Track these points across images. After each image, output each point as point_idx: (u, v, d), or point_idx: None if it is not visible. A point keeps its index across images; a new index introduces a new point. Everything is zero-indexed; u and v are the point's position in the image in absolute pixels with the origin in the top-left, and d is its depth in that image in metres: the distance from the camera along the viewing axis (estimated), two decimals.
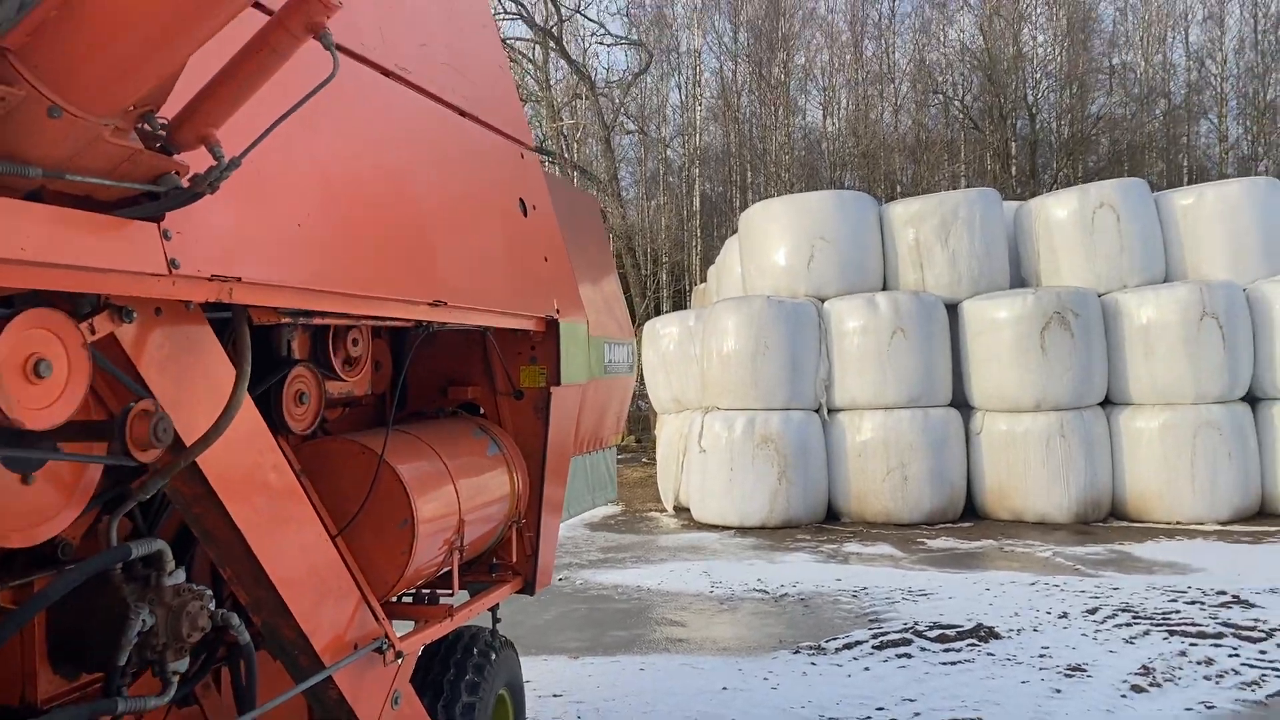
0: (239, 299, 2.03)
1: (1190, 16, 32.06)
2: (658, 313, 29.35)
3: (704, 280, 21.87)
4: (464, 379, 3.78)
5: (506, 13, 24.18)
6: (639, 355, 13.81)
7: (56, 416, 1.71)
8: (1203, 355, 10.61)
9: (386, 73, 2.80)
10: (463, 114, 3.26)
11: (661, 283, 31.54)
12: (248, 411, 2.28)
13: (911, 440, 11.20)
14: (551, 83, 27.04)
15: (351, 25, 2.64)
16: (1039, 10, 29.42)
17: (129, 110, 1.61)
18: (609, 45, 30.08)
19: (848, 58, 31.99)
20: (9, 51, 1.42)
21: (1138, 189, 11.78)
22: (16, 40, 1.42)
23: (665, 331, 13.22)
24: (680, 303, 30.80)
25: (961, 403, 11.68)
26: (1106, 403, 11.30)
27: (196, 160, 1.77)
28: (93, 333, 1.82)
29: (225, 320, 2.24)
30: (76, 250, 1.61)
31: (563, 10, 25.61)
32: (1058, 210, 11.89)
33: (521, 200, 3.62)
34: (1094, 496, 10.95)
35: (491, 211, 3.34)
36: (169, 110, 1.72)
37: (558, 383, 3.75)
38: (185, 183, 1.74)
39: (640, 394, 17.64)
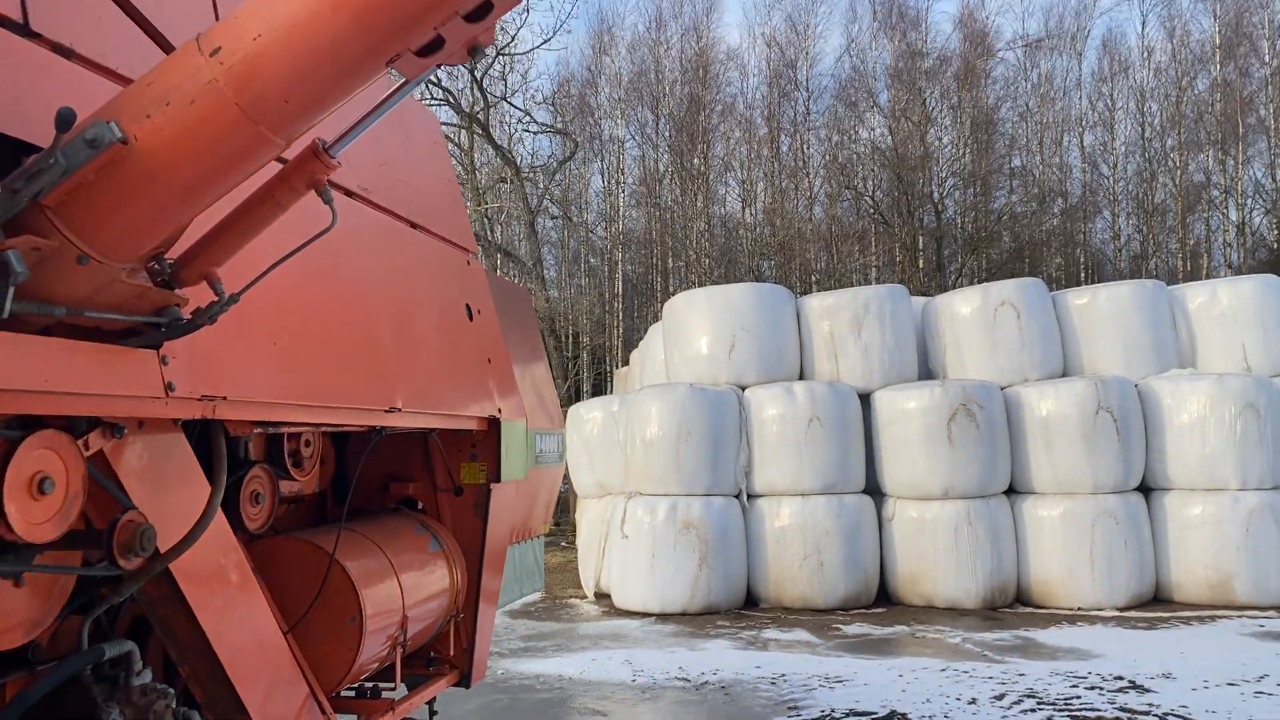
0: (220, 415, 2.19)
1: (1084, 122, 34.13)
2: (579, 395, 29.54)
3: (626, 363, 22.24)
4: (406, 475, 3.93)
5: (434, 99, 24.63)
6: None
7: (56, 530, 1.84)
8: (1098, 447, 11.19)
9: (350, 193, 3.02)
10: (415, 226, 3.48)
11: (583, 363, 31.80)
12: (216, 517, 2.41)
13: (827, 526, 11.51)
14: (477, 166, 27.45)
15: (329, 126, 2.86)
16: (944, 113, 31.03)
17: (144, 254, 1.79)
18: (534, 133, 30.68)
19: (764, 152, 33.16)
20: (48, 209, 1.60)
21: (1036, 289, 12.48)
22: (55, 199, 1.61)
23: (589, 416, 13.40)
24: (602, 384, 31.11)
25: (875, 490, 12.06)
26: (1011, 491, 11.79)
27: (195, 291, 1.95)
28: (88, 449, 1.97)
29: (192, 424, 2.38)
30: (88, 379, 1.78)
31: (489, 97, 26.17)
32: (962, 307, 12.52)
33: (468, 305, 3.83)
34: (1000, 583, 11.36)
35: (442, 318, 3.54)
36: (176, 250, 1.90)
37: (497, 479, 3.92)
38: (187, 315, 1.92)
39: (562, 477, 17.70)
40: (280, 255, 2.00)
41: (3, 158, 1.72)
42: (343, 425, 2.90)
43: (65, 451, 1.88)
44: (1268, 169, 31.18)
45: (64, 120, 1.57)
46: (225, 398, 2.15)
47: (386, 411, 2.95)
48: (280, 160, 1.99)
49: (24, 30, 1.84)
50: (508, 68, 27.56)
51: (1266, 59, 31.35)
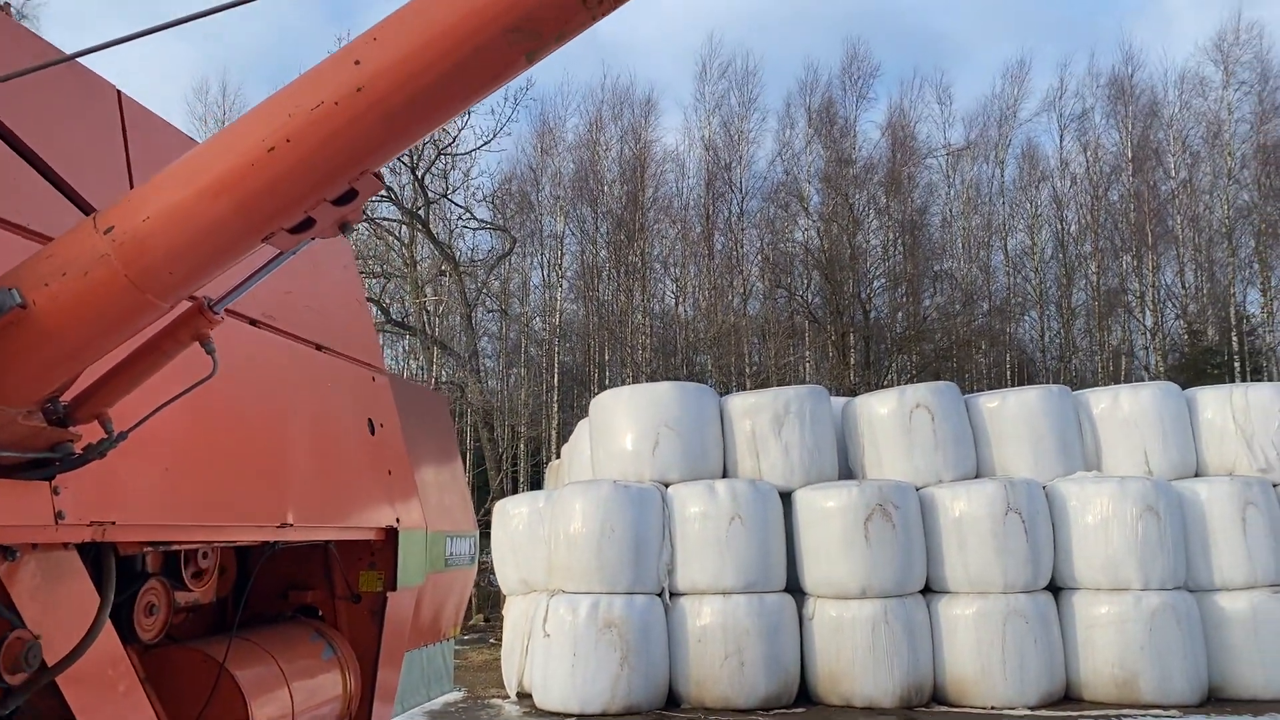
0: (110, 538, 2.38)
1: (1007, 228, 35.60)
2: (514, 487, 29.46)
3: (560, 456, 22.33)
4: (304, 583, 4.07)
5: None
6: (491, 533, 14.00)
7: None
8: (1008, 548, 11.55)
9: (254, 321, 3.25)
10: (320, 348, 3.71)
11: (520, 454, 31.77)
12: (105, 629, 2.57)
13: (748, 625, 11.65)
14: (417, 260, 27.76)
15: (222, 280, 3.09)
16: (871, 216, 32.20)
17: (39, 399, 2.01)
18: (474, 229, 31.16)
19: (700, 249, 34.00)
20: None
21: (949, 392, 12.98)
22: None
23: (515, 512, 13.48)
24: (539, 476, 31.07)
25: (796, 588, 12.26)
26: (927, 590, 12.06)
27: (88, 425, 2.16)
28: None
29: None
30: None
31: (429, 195, 26.63)
32: (879, 408, 12.95)
33: (370, 420, 4.05)
34: (916, 681, 11.55)
35: (342, 434, 3.75)
36: (72, 391, 2.12)
37: (394, 588, 4.09)
38: (79, 449, 2.13)
39: (491, 572, 17.65)
40: (164, 392, 2.21)
41: None
42: (234, 542, 3.07)
43: None
44: (1177, 276, 32.74)
45: None
46: (114, 522, 2.34)
47: (279, 527, 3.13)
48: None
49: None
50: (449, 166, 28.15)
51: (1173, 173, 33.15)
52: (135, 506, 2.41)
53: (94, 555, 2.54)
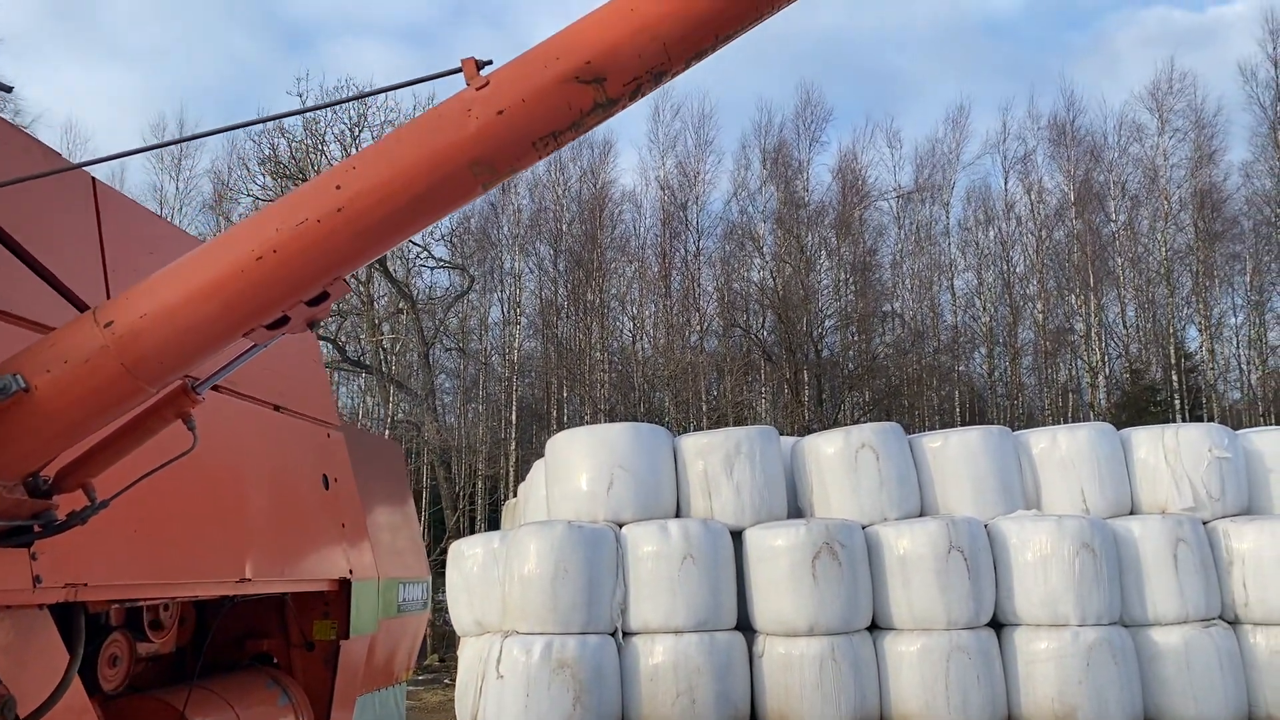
0: (82, 598, 2.57)
1: (954, 268, 36.45)
2: (471, 525, 29.44)
3: (516, 495, 22.40)
4: (261, 632, 4.25)
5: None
6: (446, 573, 14.07)
7: None
8: (951, 585, 11.87)
9: (215, 386, 3.45)
10: (276, 408, 3.92)
11: (478, 492, 31.76)
12: (74, 683, 2.75)
13: (699, 664, 11.82)
14: (374, 298, 27.84)
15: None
16: (823, 257, 32.85)
17: (25, 473, 2.22)
18: (432, 267, 31.34)
19: (658, 287, 34.42)
20: None
21: (894, 432, 13.34)
22: None
23: (470, 553, 13.59)
24: (497, 513, 31.06)
25: (746, 626, 12.47)
26: (873, 627, 12.34)
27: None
28: None
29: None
30: None
31: None
32: (826, 448, 13.27)
33: (325, 475, 4.25)
34: (864, 716, 11.77)
35: (296, 491, 3.95)
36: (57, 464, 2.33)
37: (347, 636, 4.27)
38: (61, 516, 2.34)
39: (446, 612, 17.69)
40: (140, 460, 2.43)
41: None
42: (196, 596, 3.26)
43: None
44: (1119, 315, 33.68)
45: None
46: (86, 584, 2.54)
47: (237, 582, 3.33)
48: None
49: None
50: None
51: (1113, 215, 34.20)
52: (105, 568, 2.61)
53: (63, 613, 2.72)
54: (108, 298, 2.97)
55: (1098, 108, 58.38)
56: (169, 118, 56.59)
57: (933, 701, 11.67)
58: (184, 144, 37.36)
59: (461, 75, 2.28)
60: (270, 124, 29.26)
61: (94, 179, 3.11)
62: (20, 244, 2.65)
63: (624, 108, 2.32)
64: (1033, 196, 35.45)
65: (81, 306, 2.82)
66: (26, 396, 2.06)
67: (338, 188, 2.19)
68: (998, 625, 12.30)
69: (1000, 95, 68.35)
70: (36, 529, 2.29)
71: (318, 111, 28.30)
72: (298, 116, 28.31)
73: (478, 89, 2.25)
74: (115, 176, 50.03)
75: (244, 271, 2.13)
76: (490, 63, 2.30)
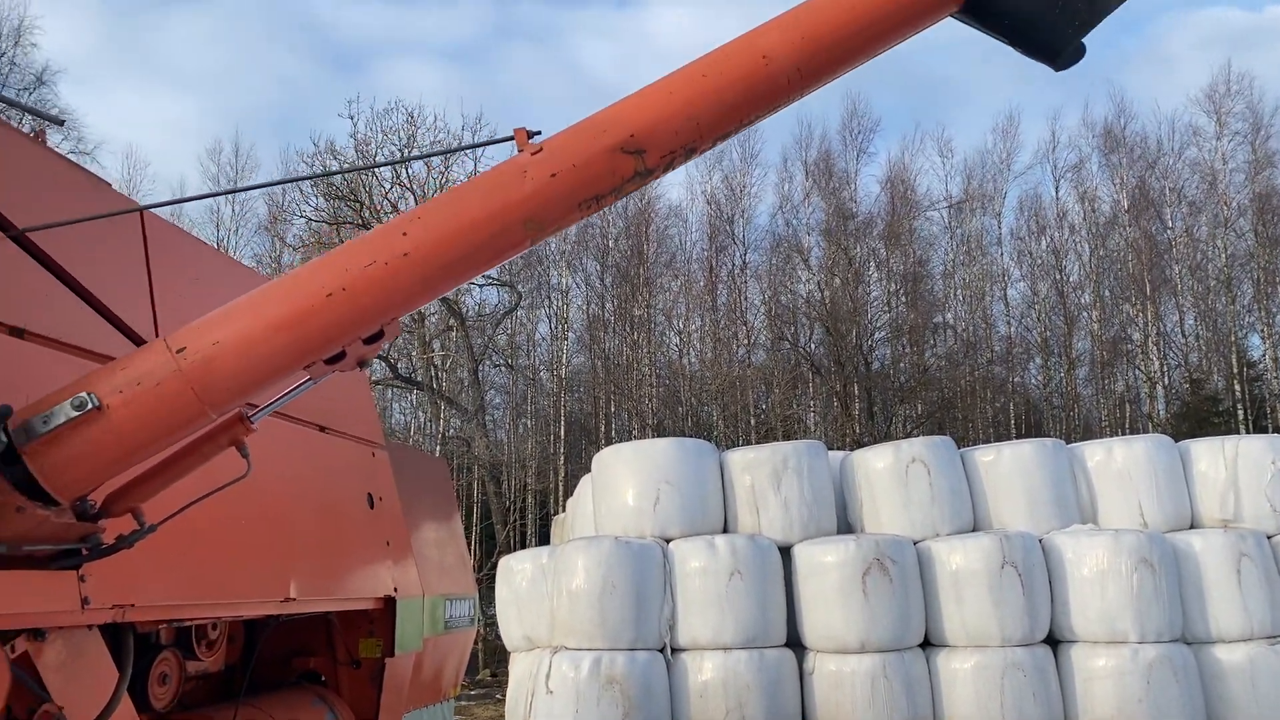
0: (130, 618, 2.63)
1: (1007, 278, 35.96)
2: (521, 540, 29.57)
3: (565, 509, 22.44)
4: (307, 650, 4.30)
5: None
6: (496, 588, 14.13)
7: None
8: (1005, 600, 11.66)
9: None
10: (322, 429, 3.98)
11: (528, 506, 31.90)
12: (123, 701, 2.81)
13: (749, 680, 11.73)
14: (424, 315, 28.16)
15: None
16: (872, 269, 32.60)
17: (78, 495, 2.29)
18: (481, 285, 31.63)
19: (705, 301, 34.41)
20: (25, 452, 2.11)
21: (945, 446, 13.16)
22: (36, 446, 2.12)
23: (519, 568, 13.63)
24: (547, 528, 31.16)
25: (796, 642, 12.36)
26: (926, 644, 12.16)
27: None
28: (14, 652, 2.39)
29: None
30: (18, 600, 2.23)
31: None
32: (876, 463, 13.13)
33: (370, 494, 4.30)
34: None
35: (341, 510, 4.00)
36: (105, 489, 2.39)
37: (392, 654, 4.31)
38: (108, 540, 2.39)
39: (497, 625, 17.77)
40: (188, 485, 2.48)
41: None
42: (242, 616, 3.32)
43: None
44: (1177, 324, 32.97)
45: (2, 414, 2.11)
46: (134, 605, 2.59)
47: (283, 601, 3.38)
48: None
49: None
50: None
51: (1169, 223, 33.53)
52: (152, 589, 2.66)
53: (114, 632, 2.78)
54: (155, 324, 3.06)
55: (1151, 113, 57.42)
56: (224, 141, 57.97)
57: (988, 719, 11.46)
58: (239, 167, 38.17)
59: (514, 142, 2.56)
60: (322, 147, 29.81)
61: (142, 209, 3.19)
62: (72, 274, 2.74)
63: (657, 178, 2.66)
64: (1086, 205, 34.91)
65: (131, 334, 2.92)
66: (99, 415, 2.16)
67: (404, 235, 2.42)
68: (1054, 642, 12.06)
69: (1051, 102, 67.40)
70: (84, 552, 2.35)
71: (368, 135, 28.73)
72: (350, 136, 28.78)
73: (532, 154, 2.51)
74: (177, 196, 51.22)
75: (314, 307, 2.31)
76: (539, 133, 2.59)
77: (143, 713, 3.14)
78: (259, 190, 38.23)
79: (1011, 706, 11.42)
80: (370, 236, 2.47)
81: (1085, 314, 33.98)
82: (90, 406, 2.14)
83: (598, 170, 2.51)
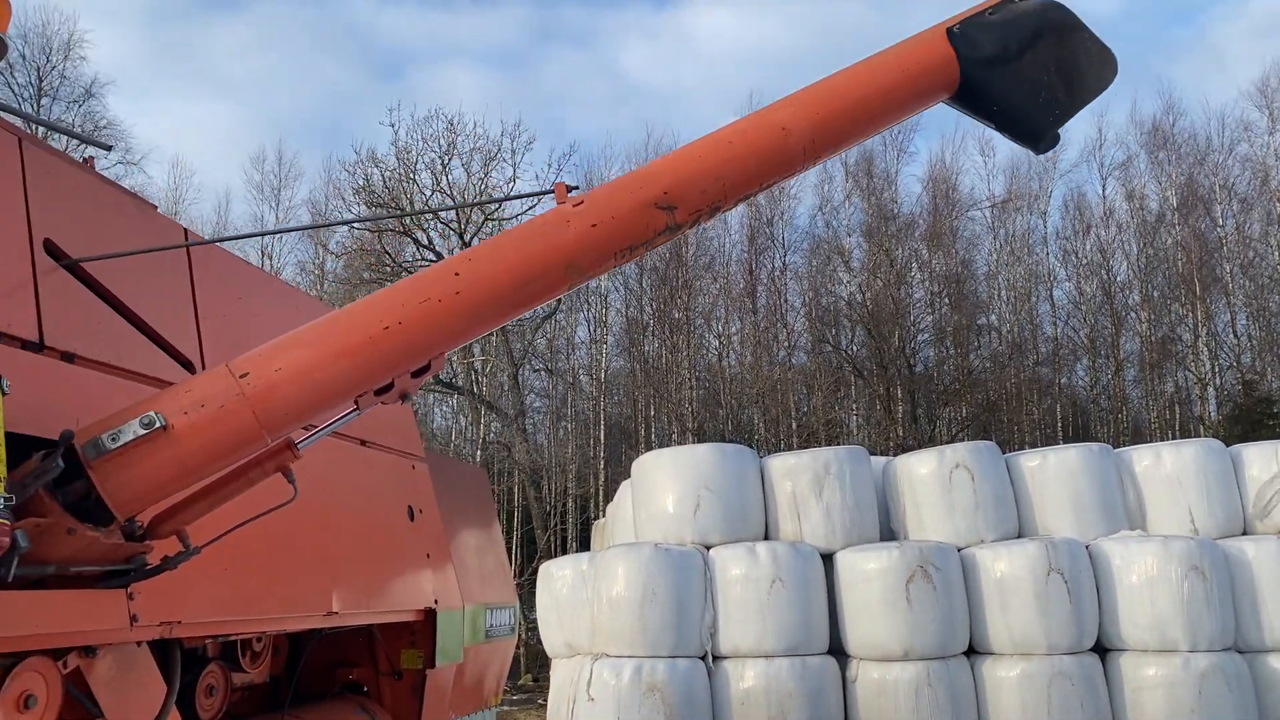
0: (177, 634, 2.68)
1: (1053, 278, 35.49)
2: (563, 544, 29.69)
3: (605, 514, 22.47)
4: (350, 661, 4.36)
5: (424, 260, 25.68)
6: (536, 594, 14.20)
7: None
8: (1051, 608, 11.50)
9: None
10: (362, 443, 4.03)
11: (568, 510, 32.00)
12: (171, 714, 2.88)
13: (791, 688, 11.68)
14: None
15: None
16: (914, 270, 32.31)
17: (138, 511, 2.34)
18: None
19: (744, 304, 34.31)
20: (92, 468, 2.17)
21: (989, 451, 13.01)
22: (103, 463, 2.18)
23: (559, 574, 13.68)
24: (588, 532, 31.26)
25: (839, 650, 12.28)
26: (970, 652, 12.03)
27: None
28: (66, 668, 2.46)
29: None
30: (69, 619, 2.29)
31: None
32: (919, 469, 13.01)
33: (410, 507, 4.35)
34: None
35: (382, 523, 4.05)
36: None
37: (433, 665, 4.36)
38: (154, 560, 2.45)
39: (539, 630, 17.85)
40: (233, 505, 2.53)
41: (17, 453, 2.27)
42: (285, 630, 3.37)
43: (48, 673, 2.37)
44: (1228, 324, 32.33)
45: (63, 438, 2.16)
46: (180, 621, 2.65)
47: (325, 615, 3.43)
48: None
49: (37, 347, 2.43)
50: (496, 230, 28.82)
51: (1220, 220, 32.89)
52: (199, 605, 2.72)
53: (162, 647, 2.84)
54: (200, 346, 3.13)
55: (1200, 108, 56.35)
56: (268, 149, 58.82)
57: None
58: (282, 175, 38.76)
59: (553, 196, 2.80)
60: (364, 154, 30.17)
61: (185, 230, 3.26)
62: (120, 299, 2.80)
63: (683, 233, 2.93)
64: (1133, 203, 34.34)
65: (178, 357, 3.00)
66: (164, 434, 2.24)
67: (457, 274, 2.60)
68: (1102, 650, 11.88)
69: (1097, 99, 66.21)
70: (131, 572, 2.41)
71: (408, 144, 29.04)
72: (390, 144, 29.09)
73: (574, 205, 2.73)
74: (220, 206, 52.06)
75: (371, 339, 2.44)
76: (577, 187, 2.85)
77: None
78: (302, 202, 38.74)
79: (1059, 715, 11.27)
80: (425, 275, 2.67)
81: (1133, 314, 33.42)
82: (158, 425, 2.22)
83: (634, 222, 2.72)
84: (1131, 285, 33.86)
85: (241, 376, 2.33)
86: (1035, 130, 3.30)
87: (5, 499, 1.96)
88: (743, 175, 2.86)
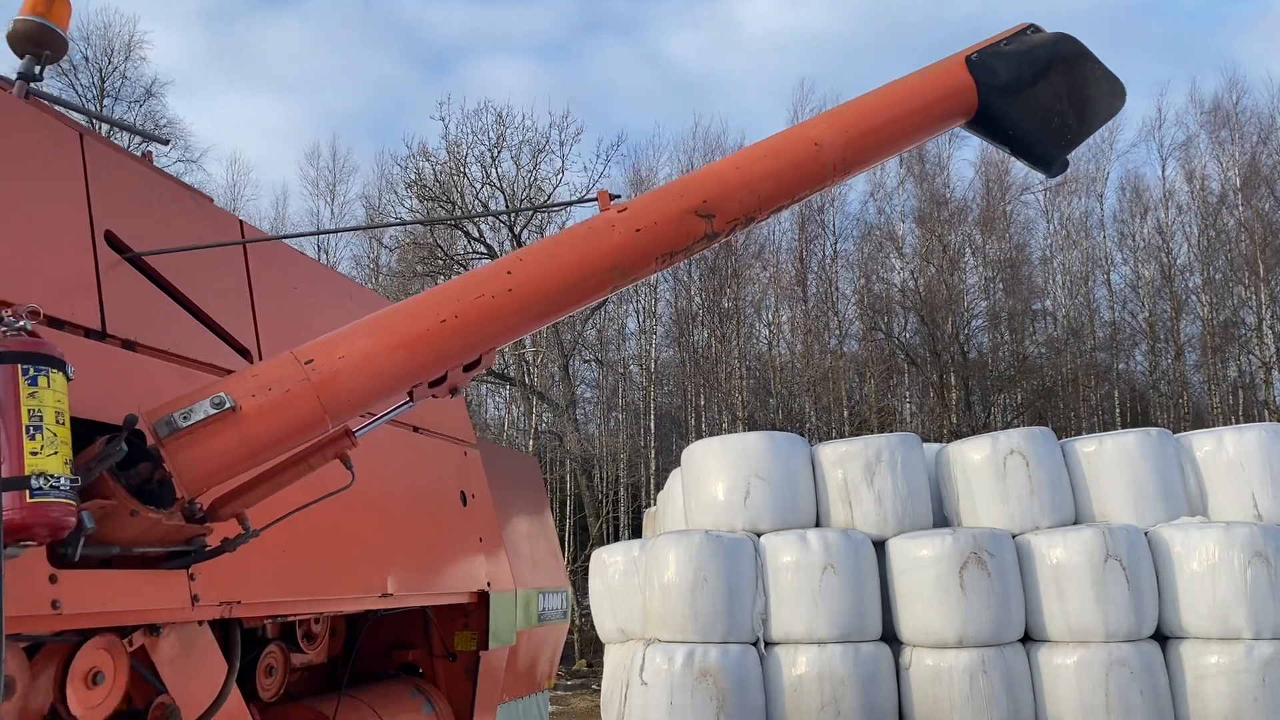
0: (237, 614, 2.76)
1: (1110, 262, 34.79)
2: (615, 532, 29.83)
3: (656, 503, 22.54)
4: (406, 643, 4.44)
5: (475, 253, 25.89)
6: (589, 581, 14.32)
7: (104, 713, 2.41)
8: (1109, 595, 11.33)
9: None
10: (416, 429, 4.10)
11: (620, 499, 32.12)
12: (232, 691, 2.96)
13: (844, 675, 11.65)
14: None
15: None
16: (967, 255, 31.86)
17: (182, 500, 2.41)
18: None
19: (794, 292, 34.11)
20: (163, 445, 2.25)
21: (1044, 437, 12.83)
22: (173, 440, 2.26)
23: (611, 560, 13.77)
24: (639, 521, 31.36)
25: (892, 637, 12.22)
26: (1026, 639, 11.90)
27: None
28: (131, 645, 2.54)
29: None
30: (133, 598, 2.36)
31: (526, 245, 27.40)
32: (973, 455, 12.88)
33: (463, 492, 4.42)
34: None
35: (436, 508, 4.12)
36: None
37: (486, 647, 4.42)
38: (213, 542, 2.53)
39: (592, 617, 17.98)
40: (291, 490, 2.60)
41: (81, 438, 2.35)
42: (342, 611, 3.45)
43: (114, 650, 2.46)
44: None
45: (127, 423, 2.23)
46: (240, 601, 2.73)
47: (380, 596, 3.50)
48: None
49: (100, 335, 2.51)
50: (545, 221, 28.99)
51: None
52: (257, 586, 2.80)
53: (222, 627, 2.93)
54: (256, 333, 3.21)
55: (1263, 86, 54.74)
56: (322, 145, 59.64)
57: (1092, 717, 11.17)
58: (336, 170, 39.28)
59: (597, 204, 2.95)
60: (415, 148, 30.49)
61: (240, 221, 3.34)
62: (179, 289, 2.89)
63: (719, 242, 3.05)
64: (1194, 183, 33.50)
65: (236, 345, 3.08)
66: (233, 415, 2.33)
67: (509, 273, 2.72)
68: (1162, 638, 11.68)
69: (1156, 78, 64.83)
70: (192, 554, 2.49)
71: (458, 137, 29.26)
72: (441, 138, 29.32)
73: (619, 211, 2.88)
74: (278, 200, 52.88)
75: (429, 330, 2.57)
76: (620, 196, 2.98)
77: (251, 703, 3.29)
78: (357, 197, 39.24)
79: (1117, 704, 11.11)
80: (480, 272, 2.81)
81: (1194, 297, 32.65)
82: (228, 406, 2.31)
83: (675, 229, 2.87)
84: (1192, 268, 33.07)
85: (307, 363, 2.42)
86: (1047, 155, 3.49)
87: (71, 481, 2.04)
88: (777, 187, 3.02)
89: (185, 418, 2.27)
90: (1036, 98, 3.34)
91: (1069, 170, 3.70)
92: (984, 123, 3.38)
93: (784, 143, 3.11)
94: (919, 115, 3.27)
